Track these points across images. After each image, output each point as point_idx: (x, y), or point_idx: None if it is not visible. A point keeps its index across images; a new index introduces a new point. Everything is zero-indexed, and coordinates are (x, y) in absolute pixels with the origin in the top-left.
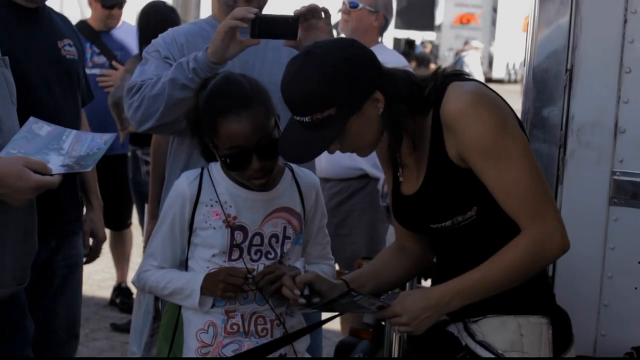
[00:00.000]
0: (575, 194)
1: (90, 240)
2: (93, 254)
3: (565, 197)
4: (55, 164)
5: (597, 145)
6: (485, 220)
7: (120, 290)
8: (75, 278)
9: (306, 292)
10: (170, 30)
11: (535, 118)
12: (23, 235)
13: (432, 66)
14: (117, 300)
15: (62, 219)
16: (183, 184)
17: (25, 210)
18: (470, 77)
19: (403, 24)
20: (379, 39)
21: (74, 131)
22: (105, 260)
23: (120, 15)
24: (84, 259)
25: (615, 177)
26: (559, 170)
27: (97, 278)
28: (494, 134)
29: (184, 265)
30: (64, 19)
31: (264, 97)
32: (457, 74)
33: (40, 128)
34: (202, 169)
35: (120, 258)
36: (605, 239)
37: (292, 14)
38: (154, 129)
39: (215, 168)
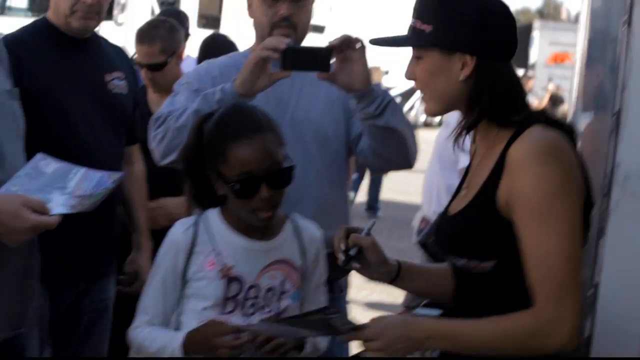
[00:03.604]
0: (620, 249)
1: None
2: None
3: (608, 253)
4: (57, 203)
5: None
6: (498, 280)
7: None
8: (103, 322)
9: (352, 252)
10: (205, 62)
11: None
12: (21, 277)
13: (565, 107)
14: None
15: (92, 260)
16: (177, 232)
17: (25, 252)
18: (560, 124)
19: None
20: None
21: (83, 169)
22: None
23: (183, 48)
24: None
25: None
26: (601, 222)
27: None
28: (551, 194)
29: (177, 319)
30: (118, 51)
31: (275, 125)
32: (550, 119)
33: (46, 165)
34: (198, 216)
35: None
36: None
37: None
38: (177, 162)
39: (212, 215)
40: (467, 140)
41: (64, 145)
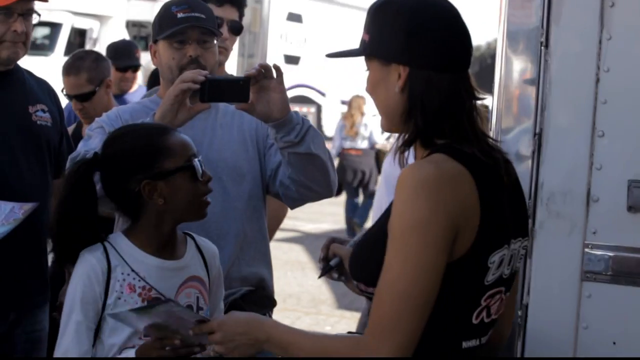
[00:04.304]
0: (544, 269)
1: None
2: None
3: (534, 272)
4: None
5: (568, 215)
6: None
7: None
8: (38, 353)
9: (333, 262)
10: (114, 108)
11: None
12: None
13: None
14: None
15: (21, 290)
16: (90, 260)
17: None
18: (471, 156)
19: None
20: None
21: None
22: None
23: (134, 78)
24: None
25: (588, 250)
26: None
27: None
28: (409, 227)
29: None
30: (41, 84)
31: None
32: (466, 150)
33: None
34: (103, 242)
35: None
36: (578, 318)
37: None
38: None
39: (119, 239)
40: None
41: None
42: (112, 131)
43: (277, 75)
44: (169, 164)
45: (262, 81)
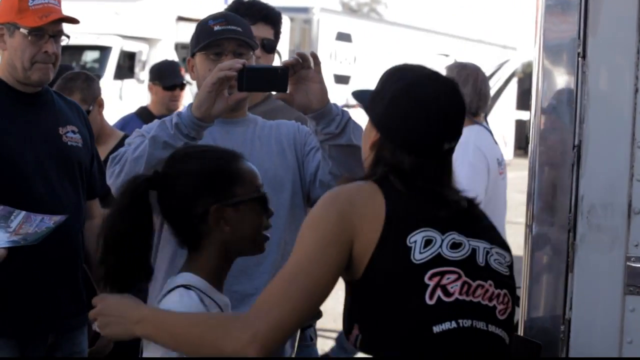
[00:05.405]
0: (587, 283)
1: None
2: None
3: (576, 287)
4: (2, 239)
5: (610, 228)
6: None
7: None
8: None
9: None
10: (156, 120)
11: (541, 200)
12: None
13: None
14: None
15: (58, 313)
16: (191, 306)
17: None
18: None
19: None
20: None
21: (23, 212)
22: None
23: (182, 97)
24: None
25: (631, 263)
26: (568, 257)
27: None
28: (306, 225)
29: None
30: (71, 105)
31: None
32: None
33: None
34: (187, 287)
35: None
36: (622, 332)
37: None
38: None
39: (193, 278)
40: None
41: (19, 197)
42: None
43: (315, 65)
44: (240, 191)
45: (300, 71)
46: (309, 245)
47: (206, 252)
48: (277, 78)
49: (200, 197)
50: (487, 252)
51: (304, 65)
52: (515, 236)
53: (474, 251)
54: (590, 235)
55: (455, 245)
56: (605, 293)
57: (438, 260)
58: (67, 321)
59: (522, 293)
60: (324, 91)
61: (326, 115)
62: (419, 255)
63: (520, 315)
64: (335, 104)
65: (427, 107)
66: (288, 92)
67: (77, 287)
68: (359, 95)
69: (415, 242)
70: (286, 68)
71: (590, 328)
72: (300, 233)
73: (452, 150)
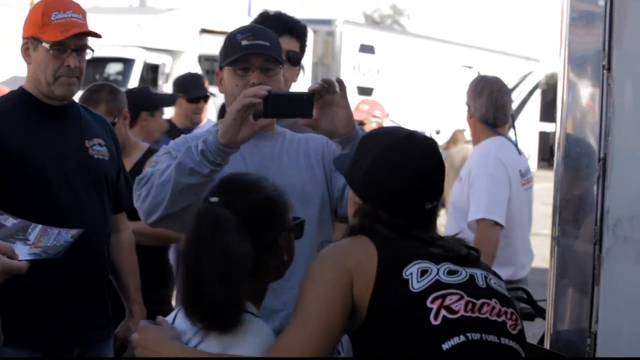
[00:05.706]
0: (612, 296)
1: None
2: None
3: (602, 299)
4: (22, 252)
5: (636, 240)
6: None
7: None
8: None
9: None
10: (182, 136)
11: (566, 212)
12: None
13: None
14: None
15: (83, 325)
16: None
17: None
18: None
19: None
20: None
21: (40, 225)
22: None
23: (205, 109)
24: None
25: None
26: (594, 269)
27: None
28: (306, 277)
29: None
30: (97, 118)
31: None
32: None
33: (5, 219)
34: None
35: None
36: None
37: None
38: (162, 220)
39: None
40: None
41: (46, 209)
42: (218, 189)
43: (340, 90)
44: (290, 216)
45: (325, 96)
46: (312, 295)
47: (263, 279)
48: (303, 104)
49: (269, 227)
50: (486, 277)
51: (330, 91)
52: (541, 248)
53: (472, 276)
54: (616, 248)
55: (451, 272)
56: (632, 306)
57: (437, 285)
58: (93, 333)
59: (548, 306)
60: (349, 116)
61: (352, 139)
62: (417, 284)
63: (546, 328)
64: (361, 128)
65: (404, 171)
66: (314, 117)
67: (102, 299)
68: (339, 162)
69: (411, 274)
70: (311, 94)
71: (616, 341)
72: (301, 289)
73: (434, 208)
